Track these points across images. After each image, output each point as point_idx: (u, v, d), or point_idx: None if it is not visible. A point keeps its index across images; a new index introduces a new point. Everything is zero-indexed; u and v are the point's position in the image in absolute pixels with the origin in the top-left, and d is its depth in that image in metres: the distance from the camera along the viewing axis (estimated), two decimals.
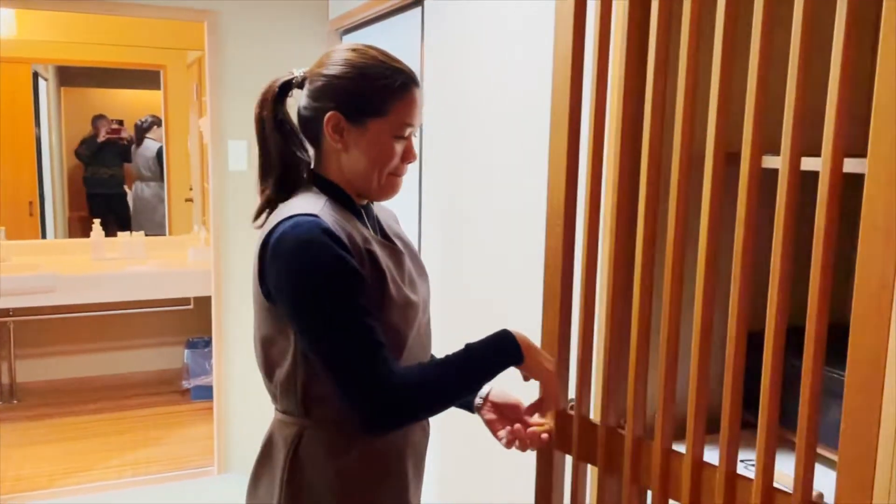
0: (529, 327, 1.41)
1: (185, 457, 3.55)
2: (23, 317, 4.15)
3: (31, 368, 4.30)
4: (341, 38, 3.21)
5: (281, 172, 1.27)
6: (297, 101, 1.26)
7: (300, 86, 1.24)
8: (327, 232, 1.11)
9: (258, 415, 3.34)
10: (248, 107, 3.19)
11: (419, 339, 1.28)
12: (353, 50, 1.21)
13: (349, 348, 1.09)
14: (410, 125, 1.21)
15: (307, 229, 1.11)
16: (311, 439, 1.22)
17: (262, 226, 1.26)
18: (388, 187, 1.24)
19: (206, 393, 4.19)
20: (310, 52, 3.21)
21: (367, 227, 1.25)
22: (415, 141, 1.26)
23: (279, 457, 1.25)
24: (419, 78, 1.24)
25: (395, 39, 2.65)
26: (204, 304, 4.28)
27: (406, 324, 1.22)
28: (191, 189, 5.38)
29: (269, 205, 1.29)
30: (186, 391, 4.25)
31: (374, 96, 1.17)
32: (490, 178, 2.00)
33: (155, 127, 5.89)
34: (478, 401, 1.36)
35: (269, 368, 1.28)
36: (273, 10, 3.18)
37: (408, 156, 1.23)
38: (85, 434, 3.81)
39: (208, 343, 4.26)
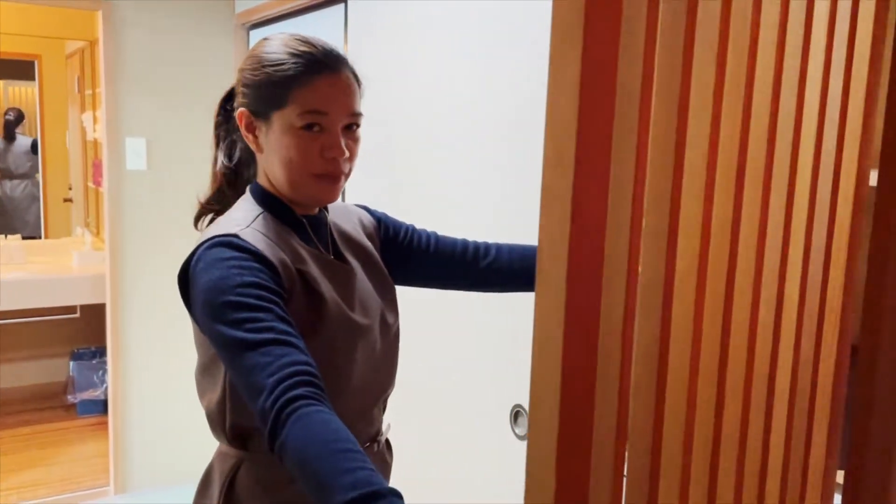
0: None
1: (77, 477, 3.30)
2: None
3: None
4: (248, 34, 3.09)
5: (219, 184, 1.22)
6: None
7: None
8: (241, 248, 1.02)
9: (157, 430, 3.16)
10: (147, 102, 3.02)
11: (371, 363, 1.19)
12: (265, 39, 1.13)
13: (256, 362, 0.93)
14: (319, 113, 1.07)
15: (220, 248, 1.03)
16: (248, 473, 1.14)
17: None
18: (315, 191, 1.11)
19: (94, 408, 3.93)
20: (214, 47, 3.07)
21: (308, 243, 1.15)
22: (359, 135, 1.13)
23: (214, 492, 1.17)
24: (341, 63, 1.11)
25: None
26: (91, 312, 4.01)
27: (351, 348, 1.14)
28: (70, 189, 5.03)
29: (206, 212, 1.22)
30: (72, 406, 3.96)
31: (272, 86, 1.07)
32: (416, 180, 1.98)
33: (24, 121, 5.47)
34: None
35: (200, 397, 1.18)
36: (174, 0, 3.01)
37: (327, 150, 1.08)
38: None
39: (96, 354, 3.99)
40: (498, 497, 1.68)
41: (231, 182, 1.22)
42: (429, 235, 1.33)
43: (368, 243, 1.27)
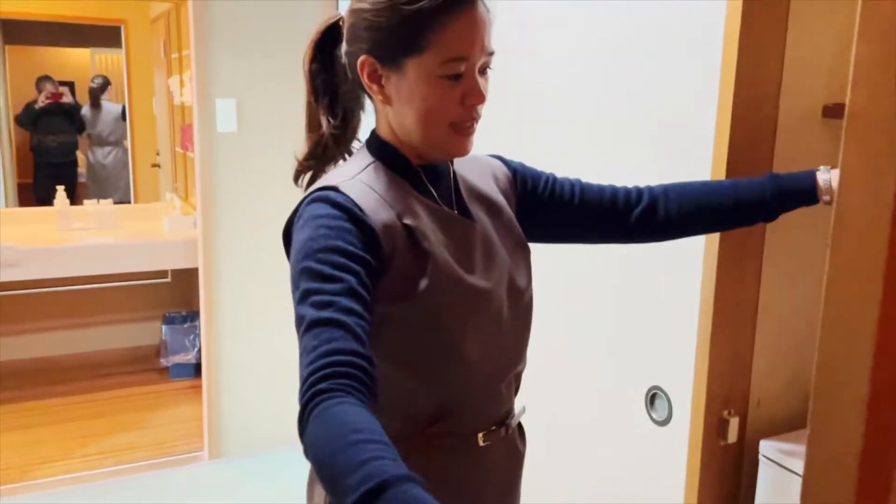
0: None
1: (171, 441, 3.31)
2: None
3: None
4: None
5: (318, 135, 1.08)
6: None
7: None
8: (336, 204, 0.94)
9: (251, 396, 3.13)
10: (237, 63, 2.92)
11: (493, 332, 1.05)
12: None
13: (305, 346, 0.86)
14: (462, 58, 0.94)
15: (317, 204, 0.96)
16: None
17: (306, 188, 1.08)
18: (451, 144, 1.00)
19: (185, 371, 3.95)
20: (304, 2, 2.94)
21: (423, 194, 1.03)
22: (489, 76, 1.00)
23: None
24: None
25: None
26: (182, 276, 4.02)
27: (464, 314, 1.01)
28: (157, 154, 5.05)
29: (306, 169, 1.10)
30: (164, 369, 3.99)
31: (406, 28, 0.94)
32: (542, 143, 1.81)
33: (109, 87, 5.51)
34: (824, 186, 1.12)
35: None
36: None
37: (469, 97, 0.97)
38: (58, 419, 3.53)
39: (186, 318, 4.00)
40: (631, 482, 1.53)
41: (338, 139, 1.08)
42: (572, 184, 1.18)
43: (501, 199, 1.13)
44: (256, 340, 3.11)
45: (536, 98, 1.77)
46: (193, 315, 3.94)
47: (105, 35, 5.30)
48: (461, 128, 0.99)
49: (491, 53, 0.99)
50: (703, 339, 1.28)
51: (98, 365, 4.10)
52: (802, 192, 1.13)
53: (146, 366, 4.11)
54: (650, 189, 1.18)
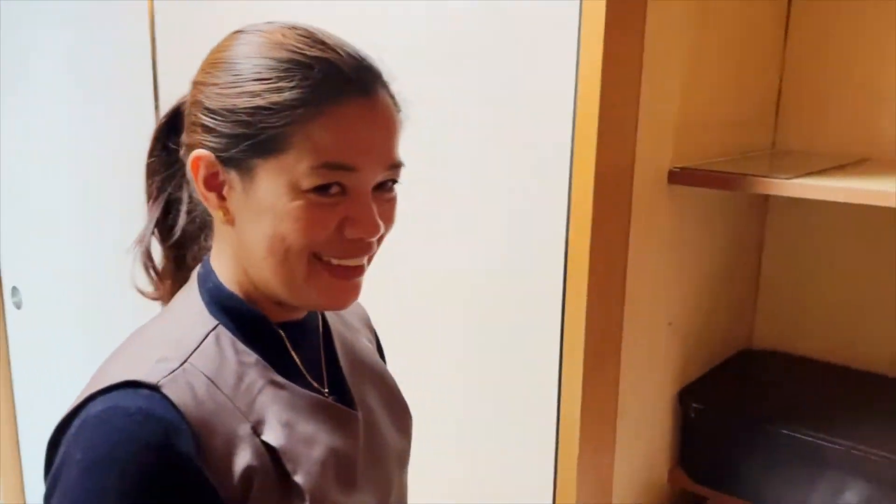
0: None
1: None
2: None
3: None
4: None
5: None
6: None
7: None
8: (148, 449, 0.57)
9: None
10: None
11: None
12: (240, 32, 0.67)
13: None
14: (343, 168, 0.63)
15: (114, 432, 0.58)
16: None
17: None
18: (324, 293, 0.67)
19: None
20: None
21: (287, 372, 0.70)
22: (396, 195, 0.70)
23: None
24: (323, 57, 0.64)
25: None
26: None
27: None
28: None
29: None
30: None
31: (259, 117, 0.62)
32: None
33: None
34: None
35: None
36: None
37: (352, 226, 0.64)
38: None
39: None
40: None
41: (169, 268, 0.76)
42: None
43: (377, 354, 0.87)
44: None
45: None
46: None
47: None
48: (337, 270, 0.66)
49: (396, 165, 0.67)
50: (566, 464, 1.02)
51: None
52: None
53: None
54: None
